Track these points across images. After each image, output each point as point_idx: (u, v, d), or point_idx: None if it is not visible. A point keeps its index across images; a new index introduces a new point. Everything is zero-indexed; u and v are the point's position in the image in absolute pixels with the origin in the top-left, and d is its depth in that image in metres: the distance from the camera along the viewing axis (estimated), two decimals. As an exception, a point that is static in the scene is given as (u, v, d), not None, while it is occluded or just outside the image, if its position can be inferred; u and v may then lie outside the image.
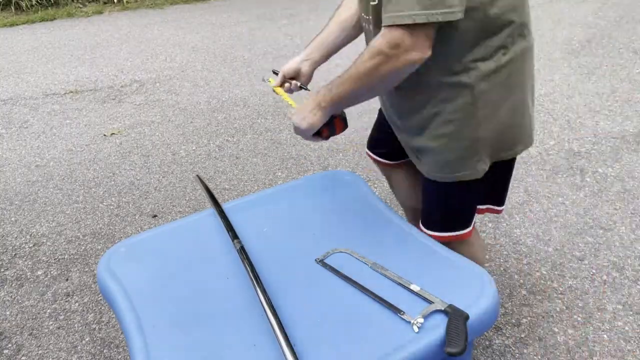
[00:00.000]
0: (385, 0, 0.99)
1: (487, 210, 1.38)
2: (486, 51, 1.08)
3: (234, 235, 1.24)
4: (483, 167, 1.20)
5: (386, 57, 1.02)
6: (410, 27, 0.97)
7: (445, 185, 1.24)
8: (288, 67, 1.42)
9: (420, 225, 1.37)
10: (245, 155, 2.95)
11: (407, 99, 1.21)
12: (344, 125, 1.29)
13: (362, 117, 3.28)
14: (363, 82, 1.09)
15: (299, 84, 1.43)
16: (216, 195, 1.45)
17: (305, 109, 1.20)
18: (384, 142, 1.56)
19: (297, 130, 1.23)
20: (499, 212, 1.39)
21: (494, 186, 1.32)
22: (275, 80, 1.45)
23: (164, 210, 2.49)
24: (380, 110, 1.54)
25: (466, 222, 1.31)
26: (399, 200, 1.80)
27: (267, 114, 3.46)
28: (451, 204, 1.30)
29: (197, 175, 1.63)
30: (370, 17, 1.15)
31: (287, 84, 1.45)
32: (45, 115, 3.63)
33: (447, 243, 1.25)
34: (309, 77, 1.45)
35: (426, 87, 1.15)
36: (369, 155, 1.66)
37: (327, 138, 1.29)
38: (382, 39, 1.01)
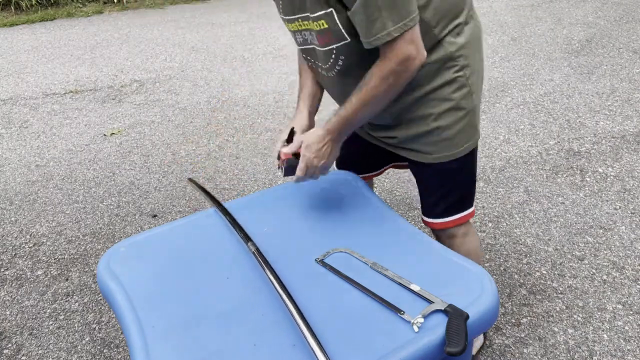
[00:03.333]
0: (364, 26, 1.04)
1: None
2: (452, 28, 1.19)
3: (246, 238, 1.24)
4: (479, 128, 1.30)
5: (398, 75, 1.08)
6: (406, 35, 1.04)
7: (455, 162, 1.29)
8: (302, 126, 1.34)
9: (425, 218, 1.41)
10: (245, 155, 2.95)
11: (400, 96, 1.22)
12: None
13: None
14: (377, 104, 1.14)
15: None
16: (216, 196, 1.45)
17: (316, 145, 1.18)
18: (357, 160, 1.53)
19: (315, 169, 1.21)
20: None
21: None
22: (287, 147, 1.29)
23: (164, 210, 2.49)
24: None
25: (472, 196, 1.38)
26: None
27: (267, 114, 3.46)
28: (462, 180, 1.35)
29: (190, 179, 1.57)
30: (314, 34, 1.16)
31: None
32: (45, 115, 3.63)
33: (452, 230, 1.34)
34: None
35: (416, 77, 1.18)
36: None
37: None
38: (388, 60, 1.07)
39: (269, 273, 1.10)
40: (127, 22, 5.97)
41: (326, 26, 1.10)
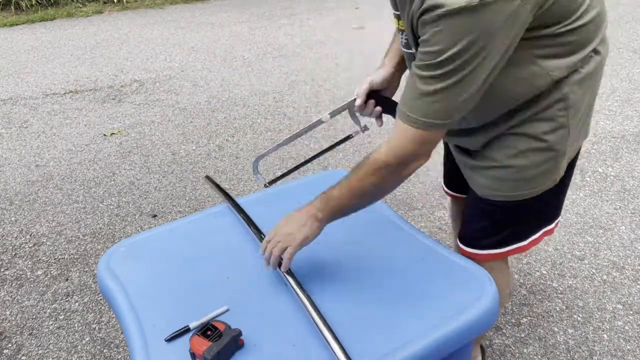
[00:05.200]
0: (405, 88, 0.90)
1: (543, 234, 1.21)
2: (580, 60, 0.96)
3: (259, 234, 1.24)
4: (560, 174, 1.10)
5: (393, 172, 0.97)
6: (427, 134, 0.90)
7: (513, 204, 1.11)
8: (377, 78, 1.22)
9: (463, 246, 1.24)
10: (245, 155, 2.95)
11: (489, 123, 1.06)
12: None
13: (362, 117, 3.28)
14: (365, 196, 1.03)
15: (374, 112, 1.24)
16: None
17: (297, 219, 1.06)
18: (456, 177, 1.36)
19: (286, 237, 1.06)
20: (553, 230, 1.24)
21: (563, 191, 1.19)
22: (358, 97, 1.22)
23: (164, 210, 2.49)
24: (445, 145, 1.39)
25: (525, 234, 1.19)
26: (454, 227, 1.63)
27: (267, 114, 3.46)
28: (512, 221, 1.17)
29: (207, 176, 1.58)
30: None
31: (367, 106, 1.24)
32: (45, 115, 3.63)
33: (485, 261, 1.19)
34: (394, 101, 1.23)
35: (513, 110, 1.01)
36: (447, 193, 1.50)
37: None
38: (391, 148, 0.95)
39: (285, 274, 1.10)
40: (127, 22, 5.96)
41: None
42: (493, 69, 0.85)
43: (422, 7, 0.81)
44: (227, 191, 1.46)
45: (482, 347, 1.60)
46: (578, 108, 1.01)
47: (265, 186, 1.43)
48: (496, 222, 1.17)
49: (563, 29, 0.89)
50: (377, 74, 1.21)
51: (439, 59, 0.82)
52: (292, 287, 1.06)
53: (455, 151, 1.23)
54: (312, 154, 2.87)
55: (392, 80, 1.23)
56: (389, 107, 1.21)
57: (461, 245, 1.24)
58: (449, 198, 1.55)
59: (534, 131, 1.01)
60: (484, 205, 1.15)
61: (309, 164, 1.51)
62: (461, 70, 0.82)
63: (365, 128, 1.32)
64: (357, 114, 1.27)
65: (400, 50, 1.17)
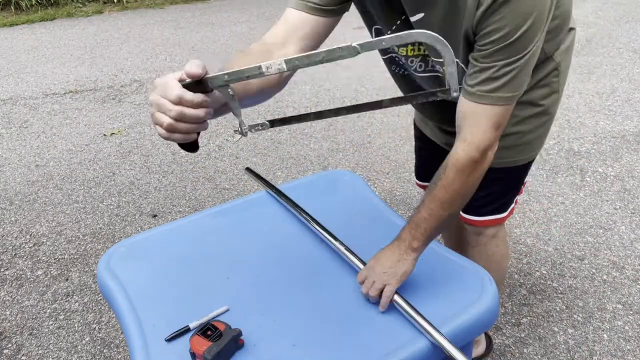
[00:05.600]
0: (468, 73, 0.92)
1: (520, 192, 1.37)
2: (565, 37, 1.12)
3: (311, 219, 1.26)
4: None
5: (476, 165, 0.94)
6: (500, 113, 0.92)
7: (517, 168, 1.22)
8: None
9: (463, 214, 1.30)
10: (245, 155, 2.95)
11: None
12: None
13: (362, 117, 3.29)
14: (455, 204, 0.99)
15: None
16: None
17: (390, 256, 1.02)
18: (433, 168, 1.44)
19: (382, 276, 1.00)
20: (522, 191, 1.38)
21: None
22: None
23: (164, 210, 2.49)
24: (418, 137, 1.47)
25: (512, 201, 1.31)
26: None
27: (267, 113, 3.46)
28: (516, 184, 1.28)
29: (247, 168, 1.58)
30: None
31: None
32: (45, 115, 3.63)
33: (480, 228, 1.29)
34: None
35: None
36: (420, 186, 1.56)
37: None
38: (468, 145, 0.93)
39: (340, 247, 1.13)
40: (127, 22, 5.96)
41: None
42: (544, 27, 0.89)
43: (482, 3, 0.85)
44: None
45: (488, 337, 1.61)
46: (565, 73, 1.16)
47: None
48: (500, 188, 1.25)
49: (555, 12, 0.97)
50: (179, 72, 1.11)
51: (511, 39, 0.85)
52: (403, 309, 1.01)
53: (449, 135, 1.26)
54: (311, 154, 2.88)
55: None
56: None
57: (465, 215, 1.30)
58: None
59: (533, 98, 1.12)
60: (489, 174, 1.15)
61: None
62: (530, 44, 0.87)
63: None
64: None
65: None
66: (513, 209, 1.32)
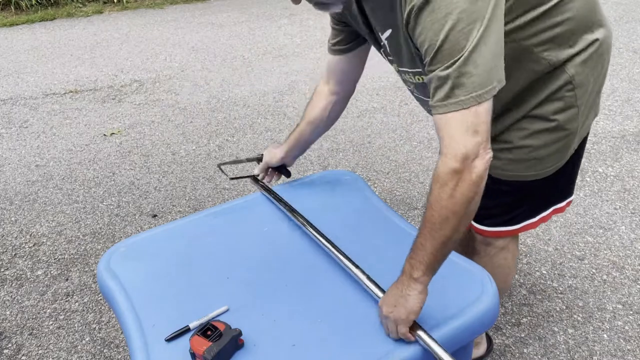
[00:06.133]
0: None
1: (567, 204, 1.29)
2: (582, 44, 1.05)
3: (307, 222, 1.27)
4: (571, 152, 1.16)
5: (459, 176, 0.86)
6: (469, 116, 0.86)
7: (527, 184, 1.17)
8: (273, 159, 1.49)
9: (475, 224, 1.28)
10: (245, 155, 2.95)
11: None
12: None
13: (362, 117, 3.29)
14: (448, 223, 0.89)
15: (274, 176, 1.54)
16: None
17: (394, 295, 0.96)
18: None
19: (389, 316, 0.95)
20: (564, 209, 1.30)
21: (573, 170, 1.25)
22: (257, 169, 1.53)
23: (164, 210, 2.49)
24: None
25: (535, 212, 1.25)
26: None
27: (267, 113, 3.46)
28: (527, 199, 1.22)
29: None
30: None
31: (268, 174, 1.54)
32: (45, 115, 3.63)
33: (490, 239, 1.27)
34: (288, 170, 1.55)
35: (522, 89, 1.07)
36: None
37: None
38: (444, 155, 0.88)
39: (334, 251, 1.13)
40: (127, 22, 5.96)
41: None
42: (491, 20, 0.84)
43: (405, 15, 0.87)
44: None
45: (489, 337, 1.61)
46: (585, 88, 1.07)
47: (231, 179, 1.62)
48: (510, 201, 1.22)
49: (543, 15, 0.99)
50: (274, 156, 1.47)
51: (437, 46, 0.84)
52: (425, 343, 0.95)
53: None
54: (311, 154, 2.88)
55: (285, 159, 1.48)
56: (283, 170, 1.53)
57: (474, 223, 1.28)
58: None
59: (545, 112, 1.08)
60: (497, 186, 1.15)
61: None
62: (465, 41, 0.83)
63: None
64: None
65: (297, 136, 1.43)
66: (532, 224, 1.25)
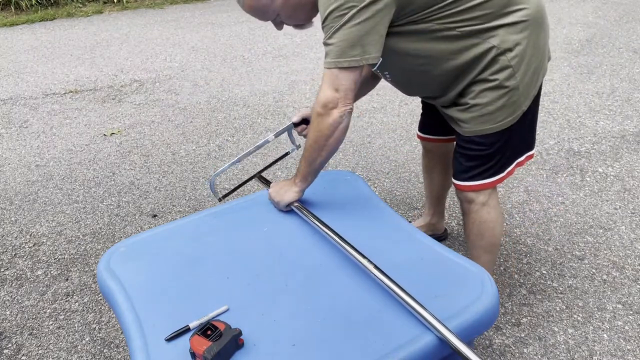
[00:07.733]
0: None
1: (526, 159, 1.49)
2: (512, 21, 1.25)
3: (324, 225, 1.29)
4: (523, 109, 1.33)
5: (320, 119, 1.22)
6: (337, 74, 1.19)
7: (490, 136, 1.34)
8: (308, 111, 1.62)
9: (454, 180, 1.47)
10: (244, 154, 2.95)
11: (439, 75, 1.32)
12: None
13: (362, 117, 3.29)
14: (315, 149, 1.26)
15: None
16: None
17: (282, 186, 1.40)
18: (434, 124, 1.73)
19: (273, 202, 1.42)
20: (524, 162, 1.50)
21: (529, 127, 1.45)
22: (296, 117, 1.62)
23: (164, 210, 2.49)
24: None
25: (502, 167, 1.42)
26: (427, 183, 1.96)
27: (267, 113, 3.46)
28: (495, 152, 1.38)
29: (260, 176, 1.71)
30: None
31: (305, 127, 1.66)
32: (45, 115, 3.63)
33: (470, 194, 1.44)
34: None
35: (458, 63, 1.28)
36: (420, 137, 1.82)
37: None
38: (317, 99, 1.22)
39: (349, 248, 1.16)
40: (127, 22, 5.96)
41: None
42: (363, 9, 1.13)
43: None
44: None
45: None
46: (517, 50, 1.25)
47: (220, 200, 1.69)
48: (481, 155, 1.39)
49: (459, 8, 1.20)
50: (308, 109, 1.56)
51: (323, 21, 1.18)
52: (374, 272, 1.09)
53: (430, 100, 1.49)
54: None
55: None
56: None
57: (454, 180, 1.47)
58: (422, 150, 1.89)
59: (485, 75, 1.28)
60: (469, 145, 1.38)
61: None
62: (339, 21, 1.14)
63: (299, 146, 1.64)
64: (294, 135, 1.65)
65: None
66: (502, 178, 1.44)
